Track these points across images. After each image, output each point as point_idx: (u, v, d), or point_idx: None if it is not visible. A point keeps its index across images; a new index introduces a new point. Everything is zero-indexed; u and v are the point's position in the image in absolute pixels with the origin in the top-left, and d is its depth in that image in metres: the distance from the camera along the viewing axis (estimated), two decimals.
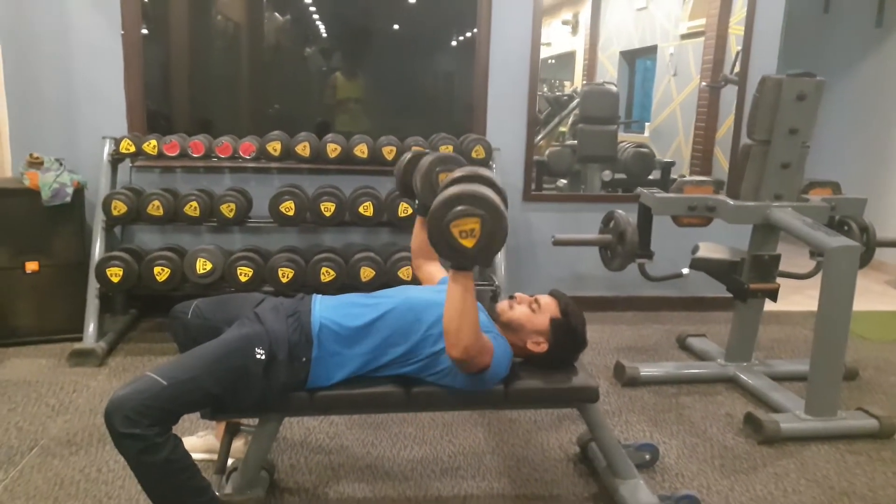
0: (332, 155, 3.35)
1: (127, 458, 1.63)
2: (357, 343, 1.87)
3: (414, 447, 2.47)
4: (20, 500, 2.09)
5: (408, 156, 2.21)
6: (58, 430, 2.50)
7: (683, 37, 5.74)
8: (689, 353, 3.47)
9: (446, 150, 3.41)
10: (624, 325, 3.90)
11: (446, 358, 1.81)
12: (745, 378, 3.03)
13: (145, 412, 1.60)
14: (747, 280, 2.94)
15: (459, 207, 1.57)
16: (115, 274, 3.07)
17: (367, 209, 3.26)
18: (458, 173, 1.78)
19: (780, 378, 3.05)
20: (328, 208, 3.25)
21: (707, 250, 3.15)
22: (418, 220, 2.23)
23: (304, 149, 3.33)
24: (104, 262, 3.09)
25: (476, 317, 1.68)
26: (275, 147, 3.32)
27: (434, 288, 2.06)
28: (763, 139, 2.82)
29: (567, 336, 2.00)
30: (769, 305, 3.12)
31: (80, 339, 3.16)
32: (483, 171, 1.80)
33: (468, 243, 1.58)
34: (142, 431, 1.59)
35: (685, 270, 3.16)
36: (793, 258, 3.25)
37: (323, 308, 1.92)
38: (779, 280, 3.02)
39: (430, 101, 4.85)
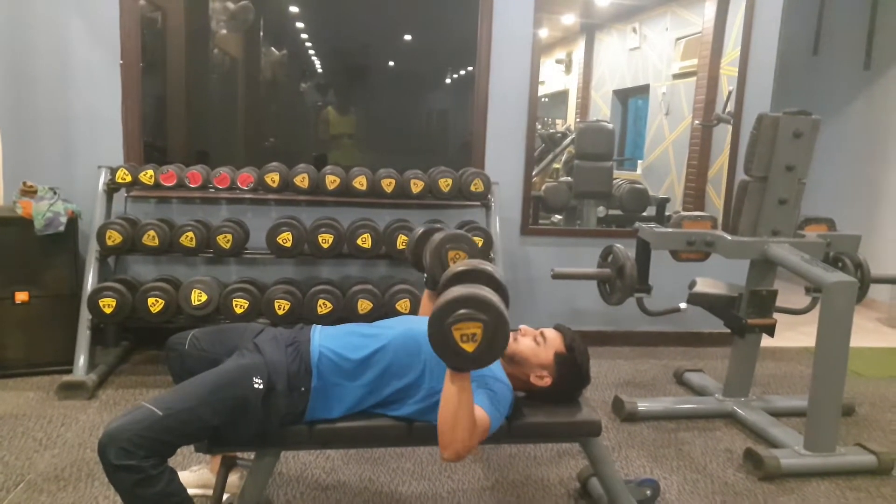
0: (331, 187, 3.34)
1: (121, 491, 1.58)
2: (357, 375, 1.84)
3: (412, 483, 2.42)
4: None
5: (419, 231, 2.24)
6: (45, 465, 2.43)
7: (675, 76, 5.85)
8: (686, 388, 3.45)
9: (445, 184, 3.41)
10: (622, 360, 3.88)
11: None
12: (743, 413, 3.02)
13: (141, 443, 1.56)
14: (745, 315, 2.95)
15: (462, 311, 1.54)
16: (107, 305, 3.03)
17: (365, 241, 3.25)
18: (460, 267, 1.78)
19: (778, 413, 3.04)
20: (326, 240, 3.23)
21: (704, 285, 3.16)
22: (426, 294, 2.20)
23: (302, 180, 3.33)
24: (97, 293, 3.04)
25: (472, 416, 1.64)
26: (273, 178, 3.32)
27: None
28: (761, 175, 2.85)
29: (571, 371, 1.98)
30: (763, 341, 3.13)
31: (69, 372, 3.09)
32: (487, 265, 1.81)
33: (468, 347, 1.56)
34: (137, 463, 1.56)
35: (683, 305, 3.16)
36: (786, 294, 3.26)
37: (322, 337, 1.90)
38: (774, 316, 3.04)
39: (428, 136, 4.89)
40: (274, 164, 3.39)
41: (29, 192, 3.21)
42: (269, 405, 1.75)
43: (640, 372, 3.69)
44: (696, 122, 4.86)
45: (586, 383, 2.03)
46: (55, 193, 3.25)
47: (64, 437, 2.65)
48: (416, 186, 3.36)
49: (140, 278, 3.42)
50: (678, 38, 5.79)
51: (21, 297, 3.16)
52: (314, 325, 2.00)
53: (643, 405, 3.04)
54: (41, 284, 3.20)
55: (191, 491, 2.20)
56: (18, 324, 3.18)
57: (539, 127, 7.97)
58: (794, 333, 4.37)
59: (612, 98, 7.39)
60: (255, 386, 1.74)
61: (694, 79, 4.89)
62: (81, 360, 3.09)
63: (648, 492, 2.31)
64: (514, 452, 2.66)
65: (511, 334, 2.01)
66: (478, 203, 3.61)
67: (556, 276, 3.04)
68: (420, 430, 1.86)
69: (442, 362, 1.77)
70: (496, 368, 1.89)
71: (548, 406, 1.99)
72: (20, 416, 2.82)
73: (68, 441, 2.62)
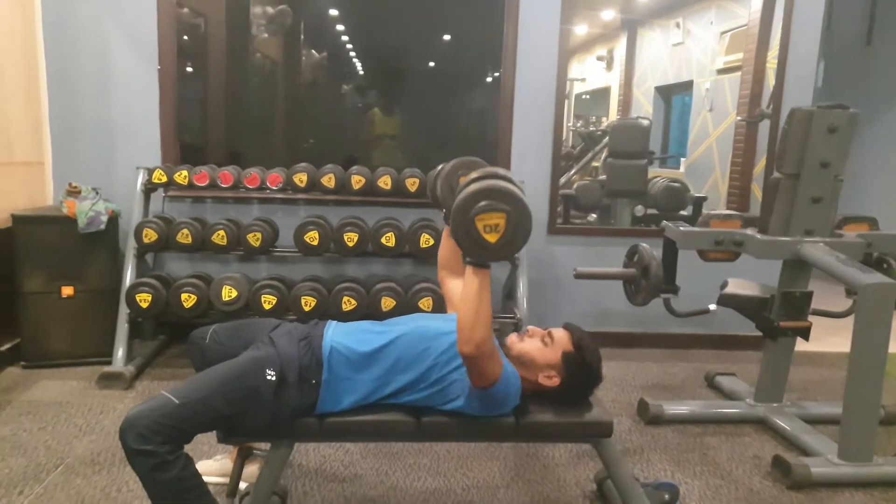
0: (357, 186, 3.40)
1: (139, 474, 1.65)
2: (366, 368, 1.87)
3: (428, 478, 2.44)
4: None
5: (438, 168, 2.22)
6: (83, 450, 2.54)
7: (720, 71, 5.73)
8: (717, 392, 3.38)
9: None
10: (651, 362, 3.82)
11: (457, 383, 1.82)
12: (775, 419, 2.93)
13: (158, 430, 1.62)
14: (777, 317, 2.86)
15: (485, 202, 1.56)
16: (143, 300, 3.15)
17: (389, 240, 3.29)
18: (475, 174, 1.78)
19: (813, 421, 2.94)
20: (351, 238, 3.29)
21: (736, 286, 3.09)
22: (445, 230, 2.20)
23: (329, 180, 3.39)
24: (134, 288, 3.17)
25: (490, 316, 1.66)
26: (301, 178, 3.39)
27: (445, 316, 2.05)
28: (792, 172, 2.77)
29: (580, 370, 1.95)
30: (805, 345, 3.03)
31: (109, 363, 3.23)
32: (503, 170, 1.80)
33: (492, 238, 1.58)
34: (154, 448, 1.62)
35: (712, 306, 3.09)
36: (831, 297, 3.15)
37: (335, 333, 1.93)
38: (815, 319, 2.95)
39: (461, 136, 4.89)
40: (302, 164, 3.47)
41: (74, 192, 3.36)
42: (281, 396, 1.79)
43: (669, 375, 3.62)
44: (739, 118, 4.74)
45: (597, 382, 2.01)
46: (97, 193, 3.39)
47: (101, 424, 2.77)
48: None
49: (175, 275, 3.53)
50: (723, 32, 5.66)
51: (67, 291, 3.31)
52: (330, 321, 2.04)
53: (669, 408, 2.98)
54: (84, 280, 3.35)
55: (213, 479, 2.31)
56: (64, 317, 3.33)
57: (579, 124, 7.94)
58: (838, 338, 4.20)
59: (655, 95, 7.28)
60: (268, 378, 1.78)
61: (739, 73, 4.77)
62: (120, 353, 3.22)
63: (667, 496, 2.27)
64: (532, 452, 2.65)
65: (515, 335, 2.01)
66: None
67: (579, 276, 3.01)
68: (428, 426, 1.88)
69: (449, 354, 1.81)
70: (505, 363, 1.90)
71: (559, 406, 1.98)
72: (64, 403, 2.96)
73: (105, 428, 2.74)
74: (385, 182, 3.42)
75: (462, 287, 1.68)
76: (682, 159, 6.72)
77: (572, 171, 5.85)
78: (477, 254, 1.62)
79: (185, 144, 3.84)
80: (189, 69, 4.24)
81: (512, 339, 2.00)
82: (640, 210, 4.88)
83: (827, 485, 2.47)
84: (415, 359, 1.87)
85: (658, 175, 5.53)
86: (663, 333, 4.02)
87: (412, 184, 3.41)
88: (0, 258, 3.24)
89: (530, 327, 2.04)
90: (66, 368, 3.33)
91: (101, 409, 2.92)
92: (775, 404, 3.02)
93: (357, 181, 3.40)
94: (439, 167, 2.23)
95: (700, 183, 5.89)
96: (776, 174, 2.81)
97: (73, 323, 3.34)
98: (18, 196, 3.42)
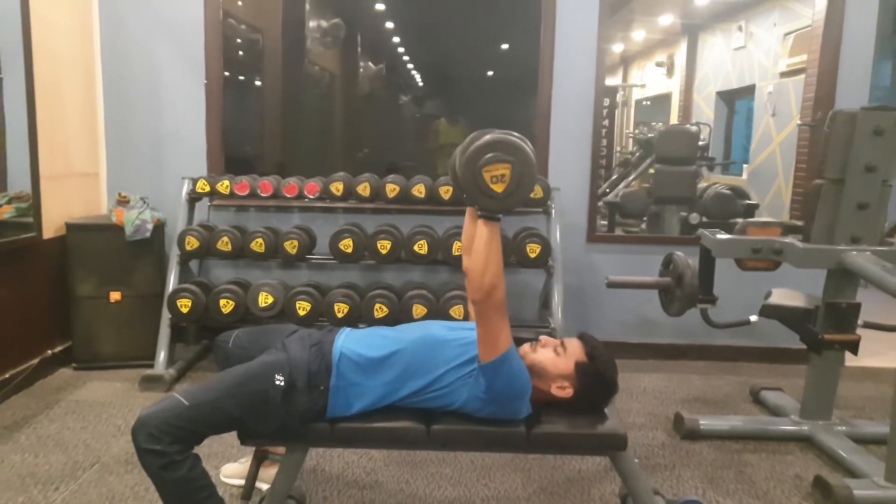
0: (391, 195, 3.43)
1: (148, 472, 1.71)
2: (376, 373, 1.87)
3: (448, 488, 2.42)
4: None
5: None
6: (119, 449, 2.64)
7: (783, 74, 5.55)
8: (762, 407, 3.23)
9: None
10: (694, 375, 3.69)
11: (466, 386, 1.81)
12: (821, 438, 2.78)
13: (167, 430, 1.68)
14: (821, 330, 2.73)
15: (491, 154, 1.63)
16: (184, 305, 3.26)
17: (421, 247, 3.31)
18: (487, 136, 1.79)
19: (864, 440, 2.78)
20: (384, 246, 3.32)
21: (780, 297, 2.97)
22: (468, 212, 2.18)
23: (364, 189, 3.44)
24: (175, 294, 3.28)
25: (500, 267, 1.71)
26: (337, 187, 3.45)
27: (455, 324, 2.04)
28: (836, 178, 2.65)
29: (594, 381, 1.91)
30: (865, 360, 2.88)
31: (152, 366, 3.35)
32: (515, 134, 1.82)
33: (498, 188, 1.64)
34: (163, 448, 1.67)
35: (753, 318, 2.97)
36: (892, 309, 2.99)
37: (347, 339, 1.95)
38: (878, 334, 2.80)
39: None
40: (340, 173, 3.53)
41: (122, 201, 3.52)
42: (290, 401, 1.82)
43: (712, 388, 3.49)
44: (799, 122, 4.55)
45: (612, 393, 1.95)
46: (145, 203, 3.54)
47: None
48: None
49: (219, 281, 3.64)
50: (787, 34, 5.49)
51: (115, 296, 3.46)
52: (343, 328, 2.06)
53: (705, 422, 2.87)
54: (132, 285, 3.49)
55: (236, 481, 2.36)
56: (112, 321, 3.48)
57: (636, 131, 7.80)
58: None
59: (716, 100, 7.09)
60: (276, 383, 1.81)
61: (803, 76, 4.58)
62: (161, 356, 3.34)
63: None
64: (558, 465, 2.60)
65: (528, 345, 1.98)
66: (539, 209, 3.57)
67: (611, 285, 2.95)
68: (439, 434, 1.87)
69: (459, 363, 1.81)
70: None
71: (573, 417, 1.94)
72: (106, 404, 3.08)
73: None
74: (419, 190, 3.44)
75: (474, 239, 1.74)
76: (745, 165, 6.51)
77: (630, 178, 5.75)
78: (485, 204, 1.68)
79: (240, 156, 3.99)
80: (245, 82, 4.39)
81: (525, 349, 1.97)
82: (695, 218, 4.74)
83: None
84: (425, 365, 1.87)
85: (716, 182, 5.37)
86: (709, 345, 3.88)
87: (445, 192, 3.42)
88: (57, 264, 3.42)
89: (543, 337, 2.00)
90: (113, 370, 3.47)
91: (141, 410, 2.99)
92: (822, 422, 2.86)
93: (391, 189, 3.44)
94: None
95: (763, 190, 5.69)
96: (818, 180, 2.69)
97: (121, 327, 3.49)
98: (75, 205, 3.60)
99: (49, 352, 3.40)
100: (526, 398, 1.85)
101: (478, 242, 1.71)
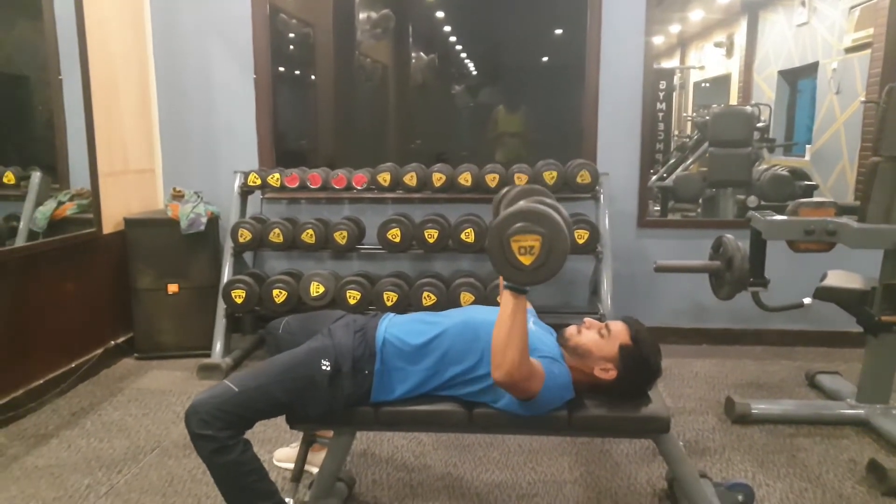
0: (438, 184, 3.46)
1: (201, 456, 1.78)
2: (418, 359, 1.91)
3: (495, 471, 2.45)
4: (135, 493, 2.34)
5: (503, 192, 2.24)
6: (178, 435, 2.76)
7: (848, 50, 5.33)
8: (818, 391, 3.15)
9: (550, 175, 3.40)
10: (749, 359, 3.61)
11: None
12: (878, 422, 2.70)
13: (218, 416, 1.75)
14: (878, 312, 2.65)
15: (520, 224, 1.58)
16: (238, 296, 3.36)
17: (468, 236, 3.33)
18: (516, 189, 1.80)
19: None
20: (431, 235, 3.35)
21: (835, 279, 2.89)
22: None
23: (411, 178, 3.48)
24: (230, 285, 3.39)
25: (525, 341, 1.66)
26: (385, 178, 3.50)
27: (497, 309, 2.05)
28: (892, 155, 2.55)
29: (637, 364, 1.90)
30: None
31: (209, 356, 3.48)
32: (551, 200, 1.81)
33: (526, 260, 1.59)
34: (214, 433, 1.74)
35: (807, 300, 2.90)
36: None
37: (390, 325, 1.99)
38: None
39: (571, 132, 4.87)
40: (388, 164, 3.57)
41: (177, 196, 3.65)
42: (336, 385, 1.87)
43: (767, 373, 3.42)
44: (862, 99, 4.39)
45: (656, 376, 1.95)
46: (199, 197, 3.67)
47: None
48: (520, 180, 3.38)
49: (273, 272, 3.74)
50: (852, 7, 5.26)
51: (172, 288, 3.60)
52: (387, 313, 2.10)
53: (758, 407, 2.82)
54: (188, 277, 3.62)
55: (287, 464, 2.44)
56: (171, 312, 3.62)
57: (694, 114, 7.62)
58: None
59: (778, 79, 6.87)
60: (323, 368, 1.87)
61: (869, 51, 4.40)
62: (218, 346, 3.47)
63: (740, 497, 2.16)
64: (606, 448, 2.60)
65: (574, 327, 1.99)
66: (587, 195, 3.55)
67: (659, 270, 2.92)
68: (480, 417, 1.89)
69: None
70: (555, 352, 1.89)
71: (615, 400, 1.94)
72: (167, 391, 3.22)
73: None
74: (465, 179, 3.46)
75: (499, 311, 1.69)
76: (808, 146, 6.30)
77: (689, 162, 5.64)
78: (512, 275, 1.63)
79: (293, 149, 4.09)
80: (298, 76, 4.46)
81: (570, 331, 1.98)
82: (753, 201, 4.62)
83: None
84: (464, 350, 1.89)
85: (777, 164, 5.21)
86: (764, 329, 3.79)
87: (492, 179, 3.43)
88: (117, 258, 3.58)
89: (587, 319, 2.00)
90: (173, 360, 3.62)
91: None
92: (879, 406, 2.78)
93: (438, 178, 3.47)
94: (503, 191, 2.23)
95: (827, 171, 5.50)
96: (874, 158, 2.60)
97: (179, 318, 3.63)
98: (133, 201, 3.76)
99: (112, 342, 3.57)
100: (567, 395, 1.86)
101: (502, 314, 1.66)
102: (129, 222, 3.56)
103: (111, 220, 3.53)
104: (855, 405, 2.82)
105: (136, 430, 2.81)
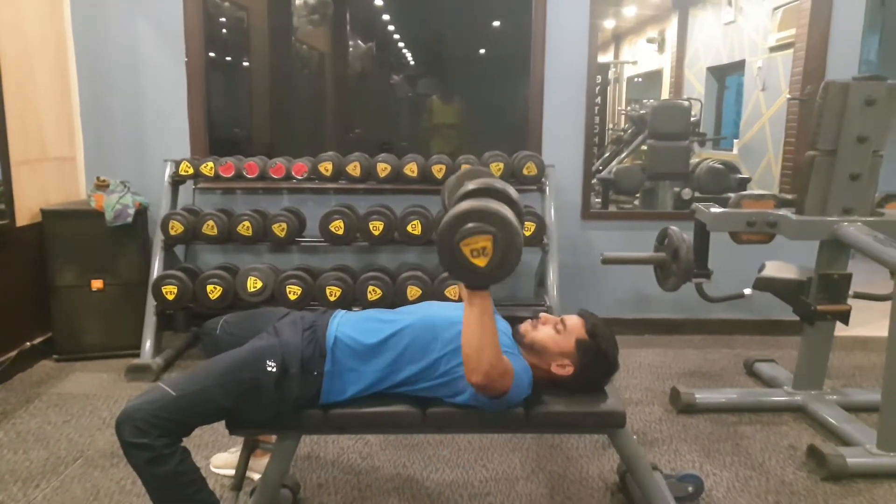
0: (382, 174, 3.36)
1: (134, 467, 1.64)
2: (372, 359, 1.82)
3: (446, 470, 2.39)
4: None
5: (451, 179, 2.15)
6: (104, 443, 2.57)
7: (772, 49, 5.51)
8: (756, 379, 3.24)
9: (497, 167, 3.36)
10: (691, 349, 3.68)
11: (464, 377, 1.75)
12: (814, 407, 2.78)
13: (154, 422, 1.62)
14: (814, 301, 2.72)
15: (469, 225, 1.49)
16: (169, 292, 3.18)
17: (415, 228, 3.25)
18: (470, 186, 1.71)
19: (856, 408, 2.80)
20: (377, 227, 3.25)
21: (773, 269, 2.95)
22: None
23: (354, 168, 3.37)
24: (160, 281, 3.21)
25: (496, 338, 1.61)
26: (326, 167, 3.37)
27: (456, 304, 1.99)
28: (828, 149, 2.62)
29: (594, 358, 1.87)
30: (857, 330, 2.88)
31: (139, 356, 3.28)
32: (499, 183, 1.73)
33: (480, 262, 1.51)
34: (150, 442, 1.61)
35: (748, 291, 2.96)
36: (883, 279, 2.97)
37: (342, 323, 1.89)
38: (871, 303, 2.80)
39: (512, 123, 4.84)
40: (329, 153, 3.45)
41: (102, 186, 3.42)
42: (283, 388, 1.76)
43: (708, 362, 3.49)
44: (788, 96, 4.51)
45: (612, 371, 1.92)
46: (125, 187, 3.45)
47: None
48: None
49: (207, 266, 3.56)
50: (776, 8, 5.44)
51: (97, 284, 3.38)
52: (338, 310, 2.00)
53: (701, 396, 2.86)
54: (114, 273, 3.41)
55: (227, 471, 2.31)
56: (95, 310, 3.40)
57: (629, 108, 7.76)
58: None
59: (707, 75, 7.05)
60: (269, 369, 1.75)
61: (792, 50, 4.54)
62: (148, 345, 3.27)
63: (690, 488, 2.18)
64: (556, 443, 2.58)
65: (529, 323, 1.94)
66: (533, 187, 3.52)
67: (606, 262, 2.92)
68: (434, 417, 1.83)
69: (456, 346, 1.74)
70: (514, 348, 1.84)
71: (571, 396, 1.90)
72: (91, 395, 3.01)
73: None
74: (411, 169, 3.38)
75: (463, 318, 1.62)
76: (735, 140, 6.49)
77: (623, 155, 5.72)
78: (470, 279, 1.56)
79: (228, 137, 3.90)
80: (231, 62, 4.27)
81: (525, 326, 1.93)
82: (687, 193, 4.73)
83: (864, 476, 2.33)
84: (422, 349, 1.81)
85: (708, 157, 5.34)
86: (705, 319, 3.87)
87: (439, 170, 3.36)
88: (33, 252, 3.33)
89: (543, 314, 1.96)
90: (98, 361, 3.39)
91: (127, 401, 2.95)
92: (814, 391, 2.87)
93: (383, 169, 3.37)
94: (451, 178, 2.15)
95: (754, 165, 5.69)
96: (810, 152, 2.66)
97: (104, 316, 3.40)
98: (52, 191, 3.50)
99: (28, 343, 3.31)
100: (527, 391, 1.80)
101: (469, 316, 1.59)
102: (47, 214, 3.31)
103: (26, 212, 3.28)
104: (792, 392, 2.91)
105: (55, 440, 2.60)
